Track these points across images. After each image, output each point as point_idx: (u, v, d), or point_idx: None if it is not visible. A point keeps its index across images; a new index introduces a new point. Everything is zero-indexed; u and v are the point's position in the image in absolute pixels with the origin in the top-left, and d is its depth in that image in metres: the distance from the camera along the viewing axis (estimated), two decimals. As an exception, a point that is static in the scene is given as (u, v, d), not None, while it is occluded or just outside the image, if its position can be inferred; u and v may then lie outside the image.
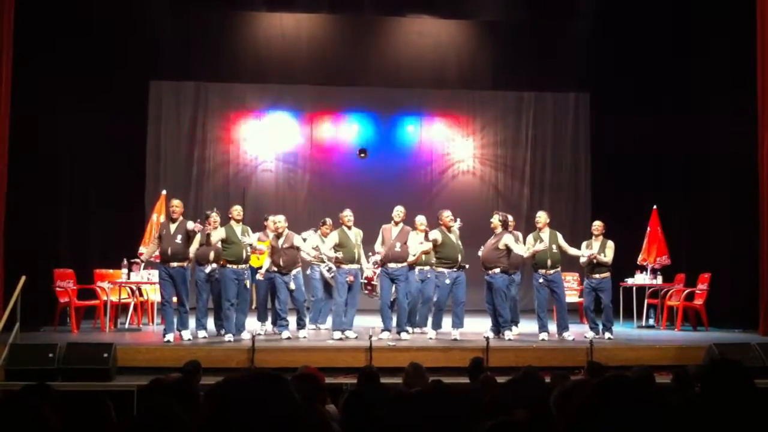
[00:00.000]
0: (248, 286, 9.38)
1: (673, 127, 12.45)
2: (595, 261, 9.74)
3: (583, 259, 9.87)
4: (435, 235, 9.52)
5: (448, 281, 9.42)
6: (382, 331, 9.41)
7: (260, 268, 9.68)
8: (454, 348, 8.71)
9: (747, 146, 10.72)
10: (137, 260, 10.15)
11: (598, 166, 14.51)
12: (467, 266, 9.65)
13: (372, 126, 14.77)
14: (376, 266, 10.05)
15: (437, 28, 14.55)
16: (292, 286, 9.38)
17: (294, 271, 9.52)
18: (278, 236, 9.57)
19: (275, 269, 9.52)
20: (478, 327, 10.01)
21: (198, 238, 9.23)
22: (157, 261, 9.40)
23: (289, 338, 9.25)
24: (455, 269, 9.49)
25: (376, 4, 13.73)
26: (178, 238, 9.09)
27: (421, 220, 9.95)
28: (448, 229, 9.54)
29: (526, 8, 13.53)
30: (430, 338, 9.39)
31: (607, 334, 9.61)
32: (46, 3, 11.04)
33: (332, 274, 9.93)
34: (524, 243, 9.92)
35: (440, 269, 9.52)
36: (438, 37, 14.56)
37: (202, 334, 9.39)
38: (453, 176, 14.91)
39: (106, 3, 12.11)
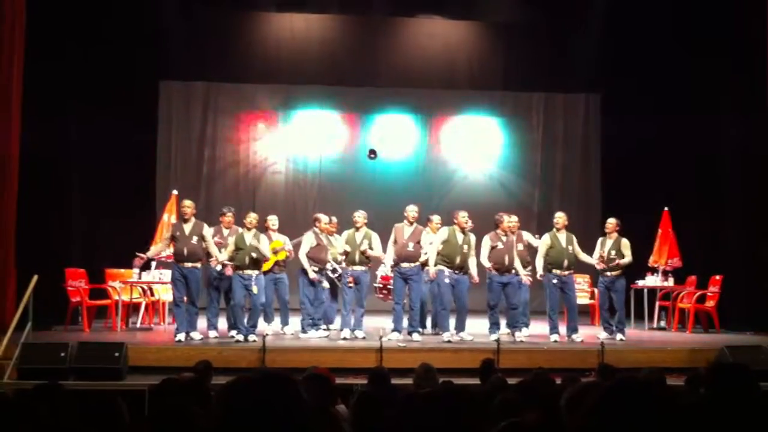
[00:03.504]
0: (255, 292, 9.21)
1: (684, 128, 12.39)
2: (615, 264, 9.70)
3: (594, 261, 9.84)
4: (441, 233, 9.50)
5: (447, 280, 9.33)
6: (392, 331, 9.39)
7: (268, 272, 9.68)
8: (465, 349, 8.69)
9: (759, 147, 10.67)
10: (142, 255, 9.92)
11: (609, 167, 14.45)
12: (473, 273, 9.53)
13: (382, 127, 14.76)
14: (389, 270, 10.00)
15: (447, 29, 14.55)
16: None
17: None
18: (322, 234, 9.81)
19: (316, 267, 9.72)
20: (487, 328, 9.98)
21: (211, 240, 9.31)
22: (169, 260, 9.45)
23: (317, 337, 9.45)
24: (455, 271, 9.37)
25: (386, 5, 13.74)
26: (194, 239, 9.14)
27: (435, 219, 10.02)
28: (462, 230, 9.47)
29: (536, 9, 13.51)
30: (448, 341, 9.21)
31: (619, 336, 9.59)
32: (57, 4, 11.08)
33: (337, 275, 9.92)
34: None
35: (440, 267, 9.42)
36: (448, 38, 14.55)
37: (213, 334, 9.45)
38: (463, 177, 14.88)
39: (116, 4, 12.17)
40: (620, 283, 9.82)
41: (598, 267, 9.87)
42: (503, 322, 9.86)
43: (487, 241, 9.61)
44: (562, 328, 9.72)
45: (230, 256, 9.19)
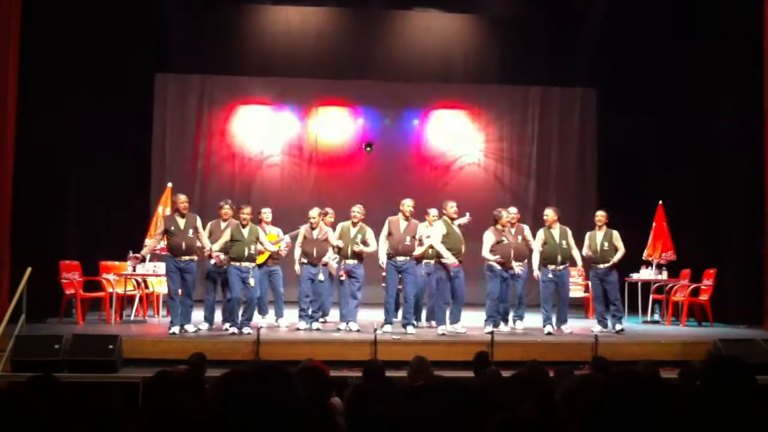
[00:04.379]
0: (252, 284, 9.18)
1: (680, 124, 12.39)
2: (612, 264, 9.73)
3: (585, 252, 9.87)
4: (439, 227, 9.50)
5: (452, 273, 9.39)
6: (385, 323, 9.38)
7: (262, 264, 9.68)
8: (459, 342, 8.71)
9: (754, 143, 10.69)
10: (137, 255, 10.01)
11: (605, 161, 14.48)
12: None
13: (378, 120, 14.75)
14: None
15: (444, 23, 14.54)
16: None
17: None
18: (312, 228, 9.74)
19: (305, 260, 9.67)
20: (481, 321, 9.99)
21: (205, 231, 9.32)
22: (163, 253, 9.44)
23: (304, 329, 9.44)
24: (458, 262, 9.42)
25: (383, -2, 13.74)
26: (190, 232, 9.12)
27: (433, 212, 10.02)
28: (452, 220, 9.53)
29: (532, 3, 13.52)
30: (443, 334, 9.23)
31: (618, 326, 9.60)
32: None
33: (335, 262, 9.93)
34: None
35: (445, 260, 9.45)
36: (444, 32, 14.55)
37: (205, 326, 9.45)
38: (459, 170, 14.90)
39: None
40: (613, 275, 9.85)
41: (579, 261, 9.90)
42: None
43: (490, 236, 9.62)
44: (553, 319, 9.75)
45: (222, 247, 9.15)
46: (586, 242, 9.94)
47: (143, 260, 10.30)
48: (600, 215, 10.09)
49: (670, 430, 1.96)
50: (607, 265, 9.79)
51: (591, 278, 10.12)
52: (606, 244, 9.81)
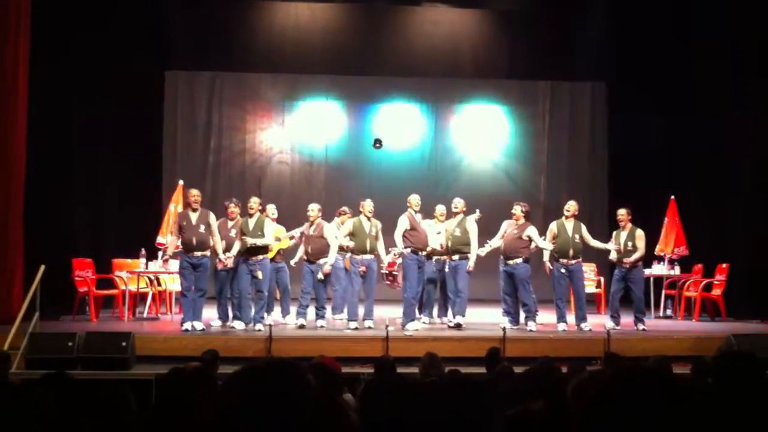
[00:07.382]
0: (260, 277, 9.14)
1: (691, 120, 12.31)
2: (625, 262, 9.64)
3: (612, 255, 9.80)
4: (450, 223, 9.59)
5: (447, 269, 9.62)
6: (411, 320, 9.32)
7: (271, 260, 9.72)
8: (471, 338, 8.70)
9: (765, 138, 10.64)
10: (165, 256, 10.09)
11: (615, 156, 14.40)
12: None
13: (387, 115, 14.73)
14: (397, 256, 9.89)
15: (452, 17, 14.51)
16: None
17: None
18: (310, 224, 9.75)
19: (305, 257, 9.76)
20: (495, 317, 9.98)
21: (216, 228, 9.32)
22: (177, 250, 9.47)
23: (303, 326, 9.44)
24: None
25: (391, -7, 13.74)
26: (201, 228, 9.12)
27: (440, 209, 10.03)
28: (455, 215, 9.67)
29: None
30: (450, 325, 9.33)
31: (640, 326, 9.55)
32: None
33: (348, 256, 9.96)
34: (545, 232, 9.88)
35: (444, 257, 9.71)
36: (453, 26, 14.51)
37: (218, 323, 9.47)
38: (468, 165, 14.85)
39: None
40: (638, 274, 9.77)
41: (614, 259, 9.84)
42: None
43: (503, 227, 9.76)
44: (570, 317, 9.70)
45: (242, 246, 9.15)
46: (612, 242, 9.87)
47: (155, 255, 10.38)
48: (622, 214, 9.88)
49: (681, 424, 1.95)
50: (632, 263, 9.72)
51: (614, 274, 9.95)
52: (630, 243, 9.72)
